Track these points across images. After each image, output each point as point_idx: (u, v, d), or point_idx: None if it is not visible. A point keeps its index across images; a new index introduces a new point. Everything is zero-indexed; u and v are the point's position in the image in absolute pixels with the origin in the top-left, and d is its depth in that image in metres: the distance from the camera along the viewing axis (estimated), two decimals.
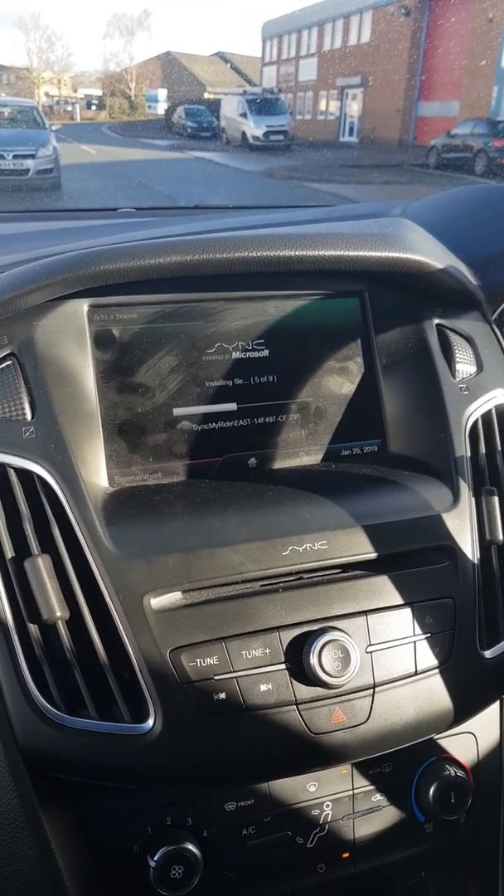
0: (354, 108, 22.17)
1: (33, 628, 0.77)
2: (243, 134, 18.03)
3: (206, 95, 25.99)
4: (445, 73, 18.45)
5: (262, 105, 18.67)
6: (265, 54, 28.18)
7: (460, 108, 17.18)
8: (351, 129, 22.15)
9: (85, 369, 0.88)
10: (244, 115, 18.07)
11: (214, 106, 20.78)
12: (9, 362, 0.85)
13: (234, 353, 0.95)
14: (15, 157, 9.22)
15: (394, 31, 19.69)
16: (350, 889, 0.96)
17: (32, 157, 9.23)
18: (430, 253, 0.96)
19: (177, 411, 0.93)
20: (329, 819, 0.93)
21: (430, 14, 18.64)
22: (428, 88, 19.57)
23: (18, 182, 9.08)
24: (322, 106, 23.87)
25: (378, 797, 0.95)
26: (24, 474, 0.81)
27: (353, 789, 0.94)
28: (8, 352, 0.85)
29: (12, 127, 10.03)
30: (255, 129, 17.67)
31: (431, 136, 16.30)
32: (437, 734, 0.94)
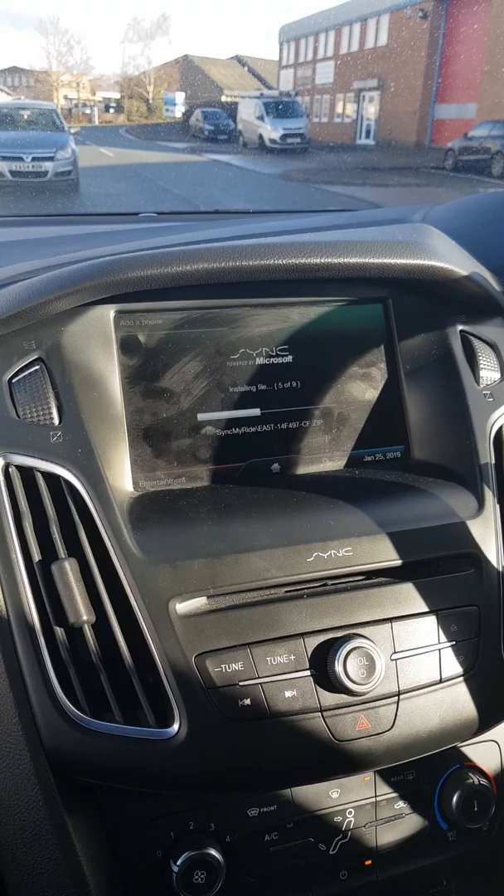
0: (371, 110, 22.14)
1: (59, 632, 0.78)
2: (260, 137, 18.06)
3: (223, 98, 26.06)
4: (463, 75, 18.38)
5: (280, 108, 18.72)
6: (282, 57, 28.20)
7: (478, 111, 17.11)
8: (368, 132, 22.11)
9: (111, 374, 0.89)
10: (261, 117, 18.11)
11: (232, 109, 20.82)
12: (36, 367, 0.85)
13: (258, 358, 0.96)
14: (34, 159, 9.28)
15: (411, 33, 19.66)
16: None
17: (51, 159, 9.30)
18: (454, 259, 0.96)
19: (201, 416, 0.93)
20: (351, 826, 0.93)
21: (447, 17, 18.58)
22: (445, 91, 19.51)
23: (37, 184, 9.14)
24: (339, 109, 23.84)
25: (401, 805, 0.95)
26: (51, 478, 0.81)
27: (375, 796, 0.94)
28: (36, 356, 0.86)
29: (32, 129, 10.09)
30: (272, 131, 17.69)
31: (448, 138, 16.22)
32: (461, 742, 0.94)
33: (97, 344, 0.88)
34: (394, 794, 0.95)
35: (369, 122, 22.25)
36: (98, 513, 0.79)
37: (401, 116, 20.64)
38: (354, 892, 0.94)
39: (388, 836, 0.95)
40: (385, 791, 0.94)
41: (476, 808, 0.94)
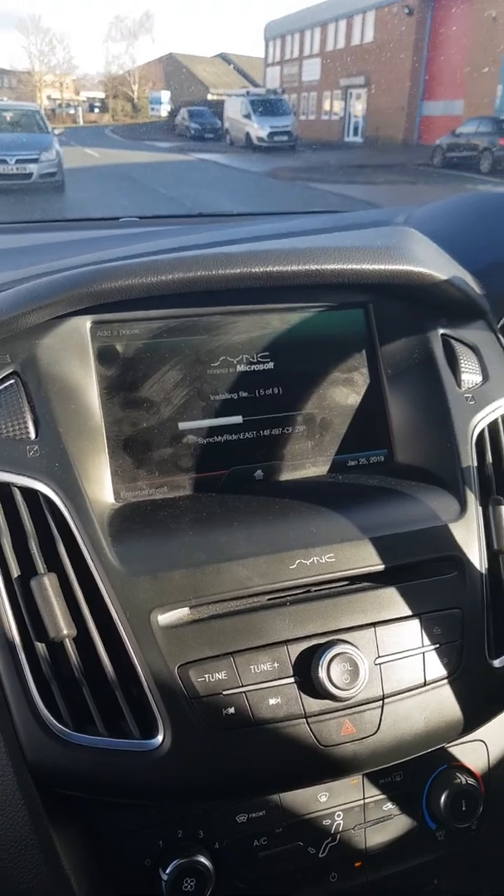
0: (358, 107, 22.14)
1: (40, 647, 0.78)
2: (247, 135, 18.05)
3: (209, 97, 26.01)
4: (449, 72, 18.39)
5: (266, 106, 18.68)
6: (268, 55, 28.16)
7: (465, 107, 17.13)
8: (355, 129, 22.12)
9: (89, 386, 0.89)
10: (248, 116, 18.10)
11: (218, 107, 20.80)
12: (11, 381, 0.85)
13: (238, 366, 0.96)
14: (18, 161, 9.26)
15: (397, 30, 19.67)
16: None
17: (35, 161, 9.28)
18: (434, 264, 0.96)
19: (182, 425, 0.93)
20: (340, 829, 0.93)
21: (432, 13, 18.60)
22: (432, 88, 19.52)
23: (21, 186, 9.12)
24: (326, 106, 23.84)
25: (389, 806, 0.95)
26: (28, 493, 0.81)
27: (363, 799, 0.94)
28: (10, 370, 0.85)
29: (15, 131, 10.07)
30: (259, 129, 17.69)
31: (436, 135, 16.25)
32: (447, 743, 0.94)
33: (73, 355, 0.88)
34: (382, 796, 0.95)
35: (357, 120, 22.25)
36: (77, 526, 0.79)
37: (388, 113, 20.64)
38: (344, 894, 0.94)
39: (377, 837, 0.95)
40: (373, 793, 0.94)
41: (464, 808, 0.94)
